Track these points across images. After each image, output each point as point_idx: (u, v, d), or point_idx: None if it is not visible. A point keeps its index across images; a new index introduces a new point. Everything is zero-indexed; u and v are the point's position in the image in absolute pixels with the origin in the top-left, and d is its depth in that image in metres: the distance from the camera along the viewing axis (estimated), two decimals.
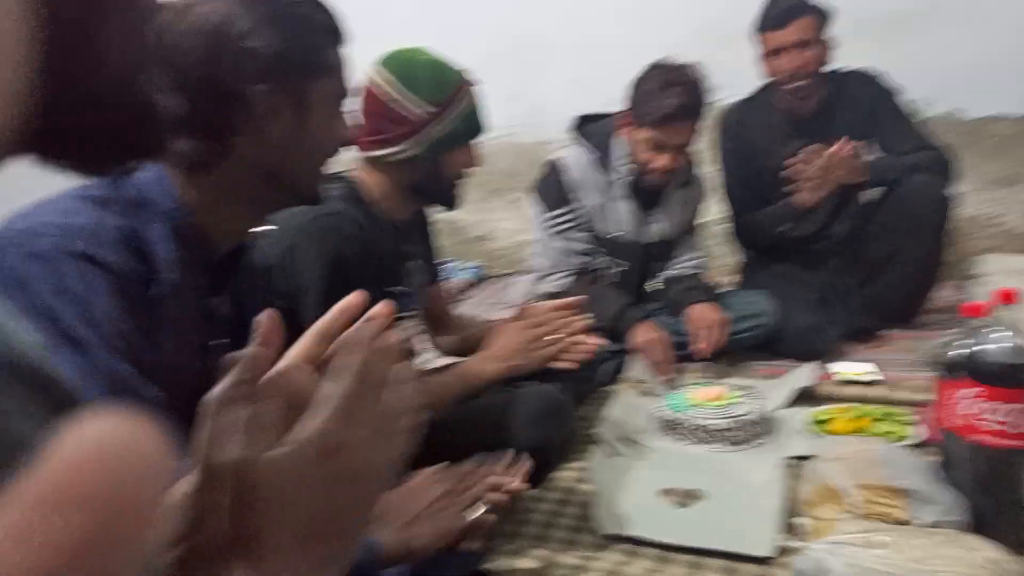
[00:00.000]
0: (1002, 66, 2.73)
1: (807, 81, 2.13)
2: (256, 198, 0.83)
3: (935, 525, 1.09)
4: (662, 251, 2.11)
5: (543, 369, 1.39)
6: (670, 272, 2.12)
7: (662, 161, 1.86)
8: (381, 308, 0.54)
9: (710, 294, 2.01)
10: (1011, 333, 1.12)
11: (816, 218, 2.26)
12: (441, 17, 3.42)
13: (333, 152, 0.86)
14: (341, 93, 0.85)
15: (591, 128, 2.04)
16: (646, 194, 2.00)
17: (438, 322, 1.57)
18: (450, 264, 3.33)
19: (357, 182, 1.28)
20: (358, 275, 1.14)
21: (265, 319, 0.49)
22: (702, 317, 1.90)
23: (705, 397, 1.63)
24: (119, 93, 0.36)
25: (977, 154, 2.86)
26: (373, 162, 1.28)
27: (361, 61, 1.34)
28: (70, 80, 0.33)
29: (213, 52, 0.75)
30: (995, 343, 1.12)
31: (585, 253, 2.02)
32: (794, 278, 2.24)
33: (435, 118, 1.24)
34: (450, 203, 1.37)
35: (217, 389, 0.41)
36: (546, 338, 1.30)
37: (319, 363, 0.52)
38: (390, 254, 1.27)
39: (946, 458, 1.25)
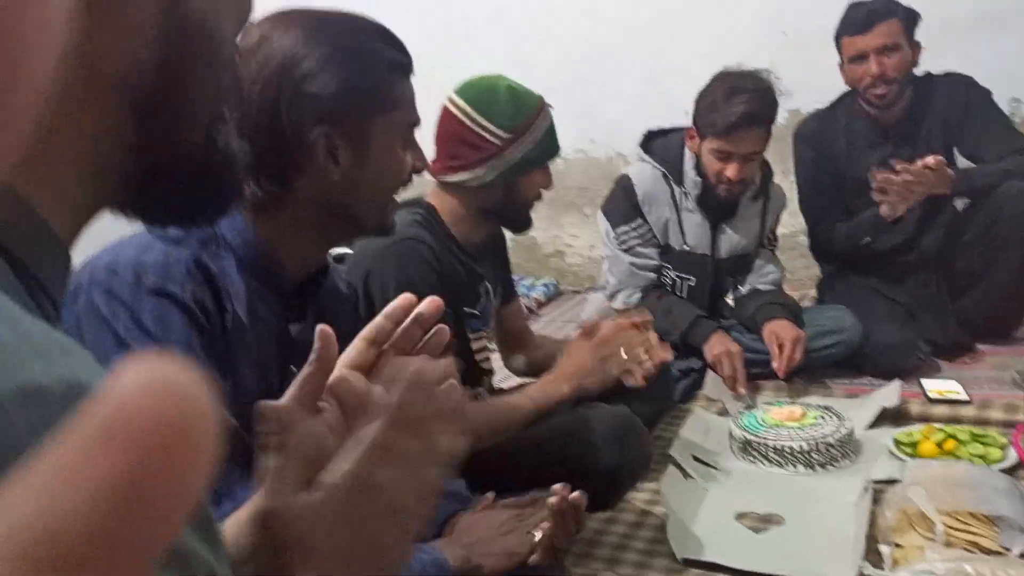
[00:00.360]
0: None
1: (891, 88, 2.05)
2: (325, 230, 0.85)
3: None
4: (737, 265, 2.08)
5: (616, 388, 1.40)
6: (747, 287, 2.09)
7: (731, 171, 1.84)
8: (428, 305, 0.57)
9: (789, 310, 1.97)
10: None
11: (902, 229, 2.18)
12: (514, 32, 3.47)
13: (401, 182, 0.88)
14: (408, 124, 0.87)
15: (660, 143, 2.03)
16: (718, 207, 1.98)
17: (513, 342, 1.59)
18: (523, 281, 3.37)
19: (432, 206, 1.32)
20: (432, 293, 1.17)
21: (318, 337, 0.52)
22: (779, 334, 1.87)
23: (783, 417, 1.60)
24: (201, 153, 0.39)
25: None
26: (449, 187, 1.32)
27: (438, 79, 1.38)
28: (157, 150, 0.37)
29: (275, 96, 0.78)
30: None
31: (654, 269, 2.01)
32: (878, 292, 2.16)
33: (512, 144, 1.28)
34: (522, 225, 1.39)
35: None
36: (615, 355, 1.30)
37: (369, 367, 0.56)
38: (463, 277, 1.31)
39: None
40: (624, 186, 2.01)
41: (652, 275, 2.01)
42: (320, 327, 0.56)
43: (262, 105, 0.78)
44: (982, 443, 1.48)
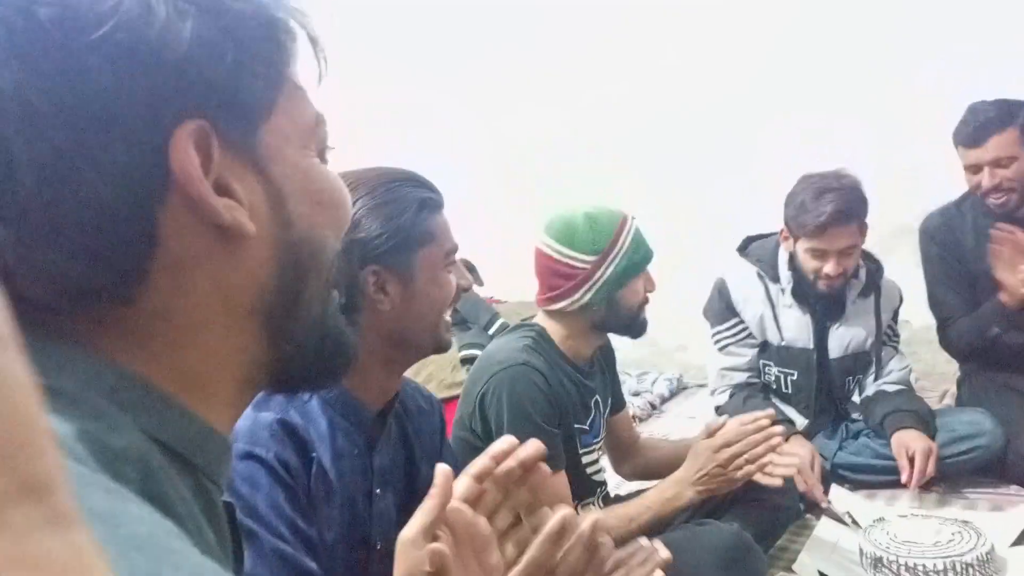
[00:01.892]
0: None
1: (1010, 196, 2.00)
2: (391, 359, 0.93)
3: None
4: (855, 364, 2.04)
5: (740, 491, 1.41)
6: (873, 387, 2.05)
7: (828, 268, 1.85)
8: (530, 449, 0.66)
9: (919, 418, 1.91)
10: None
11: None
12: (637, 131, 3.60)
13: (447, 304, 0.96)
14: (446, 252, 0.94)
15: (756, 245, 2.07)
16: (822, 304, 1.97)
17: (622, 449, 1.64)
18: (646, 375, 3.39)
19: (543, 328, 1.43)
20: (542, 418, 1.27)
21: (439, 475, 0.63)
22: (908, 445, 1.82)
23: (917, 532, 1.54)
24: (317, 334, 0.45)
25: None
26: (554, 313, 1.43)
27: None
28: (285, 347, 0.44)
29: None
30: None
31: (747, 368, 2.03)
32: (1017, 391, 2.05)
33: (599, 267, 1.37)
34: (636, 331, 1.46)
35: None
36: (739, 459, 1.32)
37: (476, 501, 0.65)
38: (574, 395, 1.38)
39: None
40: (719, 287, 2.07)
41: (744, 374, 2.03)
42: (440, 468, 0.66)
43: None
44: None
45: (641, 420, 2.90)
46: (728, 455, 1.32)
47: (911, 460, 1.79)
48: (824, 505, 1.74)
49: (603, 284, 1.37)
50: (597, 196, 1.50)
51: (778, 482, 1.35)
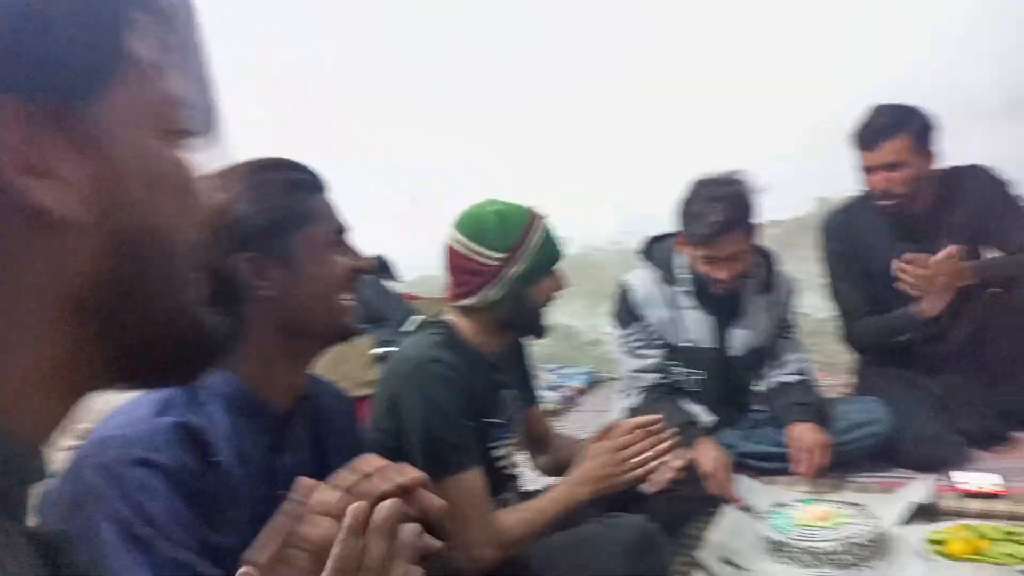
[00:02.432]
0: None
1: (897, 199, 2.12)
2: (289, 352, 0.91)
3: None
4: (756, 359, 2.12)
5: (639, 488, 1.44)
6: (774, 379, 2.13)
7: (720, 273, 1.93)
8: (409, 475, 0.61)
9: (813, 410, 1.99)
10: None
11: (934, 321, 2.21)
12: (552, 131, 3.64)
13: (340, 286, 0.92)
14: (330, 233, 0.92)
15: (657, 247, 2.13)
16: (724, 304, 2.04)
17: (538, 443, 1.65)
18: (562, 369, 3.44)
19: (452, 325, 1.43)
20: (456, 415, 1.27)
21: (298, 488, 0.60)
22: (802, 438, 1.90)
23: (813, 516, 1.62)
24: (172, 328, 0.41)
25: None
26: (464, 308, 1.43)
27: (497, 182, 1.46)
28: (127, 344, 0.39)
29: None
30: None
31: (655, 369, 2.08)
32: (912, 382, 2.18)
33: (509, 262, 1.38)
34: (538, 331, 1.48)
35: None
36: (632, 460, 1.35)
37: (339, 513, 0.60)
38: (487, 388, 1.40)
39: None
40: (623, 291, 2.12)
41: (653, 376, 2.08)
42: (300, 481, 0.63)
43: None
44: (1016, 541, 1.48)
45: (557, 414, 2.94)
46: (619, 458, 1.36)
47: (805, 452, 1.87)
48: (740, 505, 1.78)
49: (512, 281, 1.38)
50: (510, 192, 1.51)
51: (654, 490, 1.38)
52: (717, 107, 3.26)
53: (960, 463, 1.93)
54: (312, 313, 0.91)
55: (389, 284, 3.05)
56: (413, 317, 2.67)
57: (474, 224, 1.40)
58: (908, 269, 2.01)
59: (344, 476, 0.62)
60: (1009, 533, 1.50)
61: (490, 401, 1.40)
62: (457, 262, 1.41)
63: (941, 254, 1.99)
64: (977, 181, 2.19)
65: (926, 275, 1.99)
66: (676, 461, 1.38)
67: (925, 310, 2.06)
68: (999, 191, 2.18)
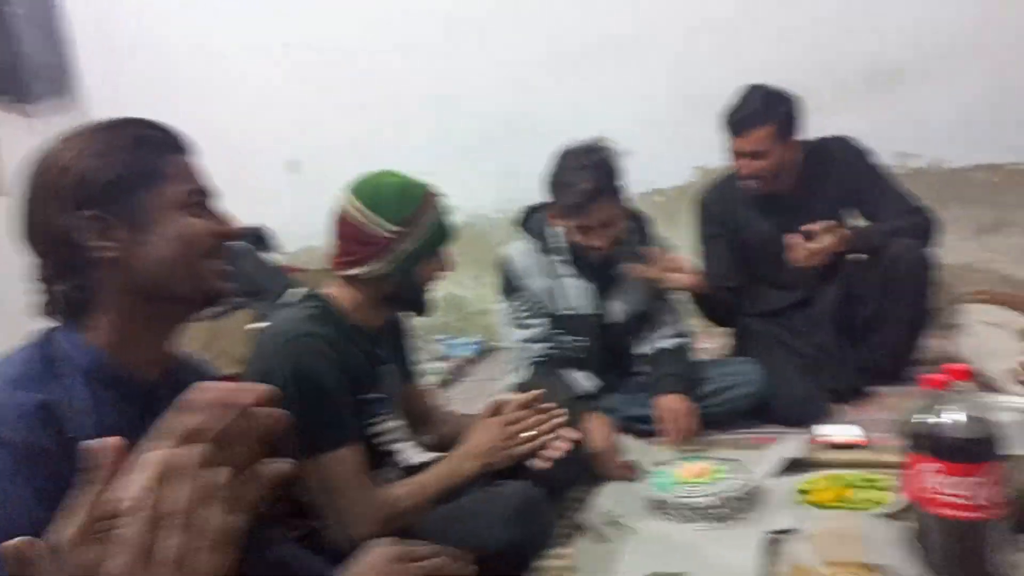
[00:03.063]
0: (979, 117, 2.81)
1: (760, 183, 2.21)
2: (149, 317, 0.86)
3: None
4: (637, 324, 2.17)
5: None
6: (653, 344, 2.18)
7: (594, 242, 1.95)
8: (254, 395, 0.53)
9: (682, 379, 2.04)
10: (966, 408, 1.16)
11: (803, 287, 2.33)
12: (438, 99, 3.58)
13: (199, 249, 0.87)
14: (187, 193, 0.87)
15: (535, 217, 2.14)
16: (602, 271, 2.06)
17: (420, 419, 1.63)
18: (451, 340, 3.42)
19: (329, 298, 1.36)
20: (332, 390, 1.22)
21: (96, 448, 0.52)
22: (668, 408, 1.96)
23: (691, 473, 1.67)
24: None
25: (962, 203, 2.92)
26: (348, 279, 1.38)
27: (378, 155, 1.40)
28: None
29: (43, 204, 0.83)
30: (950, 419, 1.17)
31: (543, 338, 2.10)
32: (784, 343, 2.29)
33: (402, 236, 1.33)
34: (422, 310, 1.45)
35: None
36: (521, 435, 1.35)
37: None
38: (363, 363, 1.33)
39: (920, 528, 1.29)
40: (505, 263, 2.12)
41: (541, 345, 2.09)
42: (103, 442, 0.54)
43: (36, 218, 0.84)
44: (875, 488, 1.58)
45: (447, 384, 2.93)
46: (510, 432, 1.35)
47: (671, 422, 1.94)
48: (632, 478, 1.80)
49: (403, 256, 1.34)
50: (395, 161, 1.46)
51: (546, 464, 1.39)
52: (598, 77, 3.29)
53: (826, 418, 2.04)
54: (168, 277, 0.86)
55: (267, 256, 2.92)
56: (293, 290, 2.57)
57: (371, 192, 1.34)
58: (797, 248, 2.09)
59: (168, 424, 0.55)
60: (870, 480, 1.60)
61: (369, 376, 1.35)
62: (348, 229, 1.35)
63: (826, 240, 2.08)
64: (841, 152, 2.30)
65: (813, 250, 2.08)
66: (566, 436, 1.38)
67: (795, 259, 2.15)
68: (861, 161, 2.30)
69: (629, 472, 1.81)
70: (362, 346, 1.35)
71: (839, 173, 2.28)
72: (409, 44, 3.58)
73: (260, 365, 1.23)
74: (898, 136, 2.94)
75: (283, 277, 2.75)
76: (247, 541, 0.50)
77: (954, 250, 2.90)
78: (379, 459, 1.38)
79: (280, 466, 0.54)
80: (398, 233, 1.33)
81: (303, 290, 1.45)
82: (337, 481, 1.21)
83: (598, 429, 1.87)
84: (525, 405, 1.39)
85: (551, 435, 1.36)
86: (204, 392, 0.53)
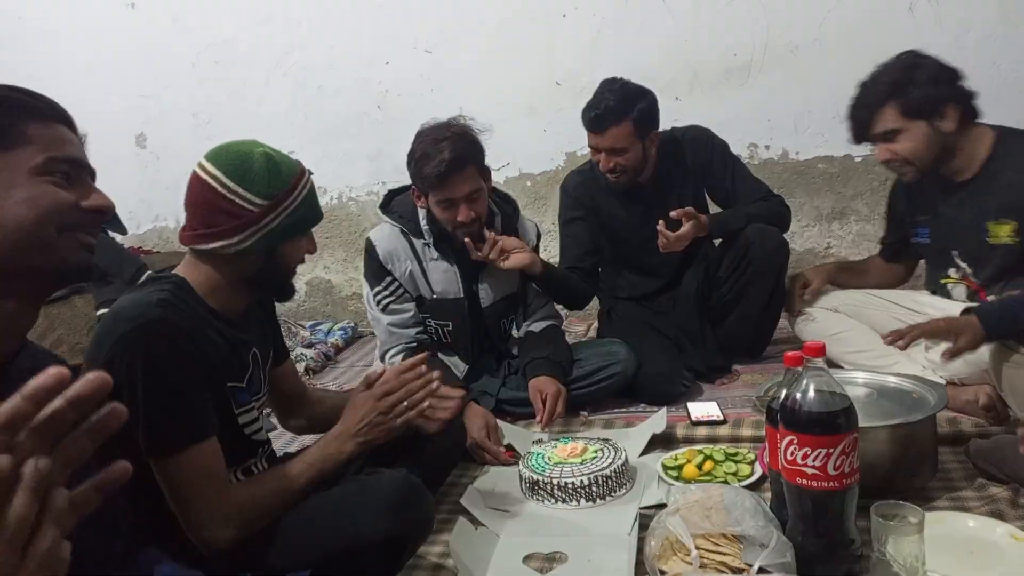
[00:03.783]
0: (825, 112, 3.00)
1: (621, 176, 2.26)
2: None
3: (764, 569, 1.17)
4: (506, 307, 2.16)
5: (407, 436, 1.40)
6: (524, 327, 2.19)
7: (460, 215, 1.93)
8: (86, 385, 0.47)
9: (551, 362, 2.06)
10: (820, 384, 1.22)
11: (665, 272, 2.41)
12: (303, 76, 3.42)
13: (54, 220, 0.81)
14: (48, 161, 0.81)
15: (398, 200, 2.10)
16: (468, 254, 2.04)
17: (289, 403, 1.55)
18: (321, 325, 3.30)
19: (183, 279, 1.25)
20: (182, 383, 1.12)
21: None
22: (540, 390, 1.97)
23: (566, 454, 1.68)
24: None
25: (808, 191, 3.12)
26: (203, 255, 1.25)
27: (226, 129, 1.32)
28: None
29: None
30: (804, 394, 1.22)
31: (412, 324, 2.06)
32: (649, 325, 2.36)
33: (270, 211, 1.24)
34: (285, 294, 1.37)
35: None
36: (398, 408, 1.31)
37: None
38: (224, 349, 1.24)
39: (776, 498, 1.36)
40: (368, 248, 2.06)
41: (411, 331, 2.05)
42: None
43: None
44: (735, 461, 1.65)
45: (315, 372, 2.83)
46: (389, 403, 1.31)
47: (541, 404, 1.95)
48: (512, 463, 1.78)
49: (269, 233, 1.25)
50: (254, 136, 1.35)
51: (435, 427, 1.36)
52: (470, 60, 3.26)
53: (690, 396, 2.13)
54: (14, 245, 0.78)
55: (114, 236, 2.69)
56: (147, 274, 2.38)
57: (237, 161, 1.23)
58: (667, 235, 2.14)
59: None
60: (731, 455, 1.67)
61: (230, 364, 1.26)
62: (208, 199, 1.23)
63: (687, 227, 2.14)
64: (697, 145, 2.38)
65: (677, 236, 2.15)
66: (447, 395, 1.33)
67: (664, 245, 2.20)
68: (719, 154, 2.39)
69: (509, 458, 1.80)
70: (222, 331, 1.24)
71: (695, 162, 2.37)
72: (275, 15, 3.41)
73: (101, 354, 1.10)
74: (749, 128, 3.09)
75: (132, 259, 2.53)
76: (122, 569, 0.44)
77: (799, 236, 3.11)
78: (246, 451, 1.30)
79: (114, 469, 0.48)
80: (266, 208, 1.23)
81: (152, 272, 1.32)
82: (189, 481, 1.12)
83: (475, 417, 1.84)
84: (401, 372, 1.34)
85: (428, 401, 1.32)
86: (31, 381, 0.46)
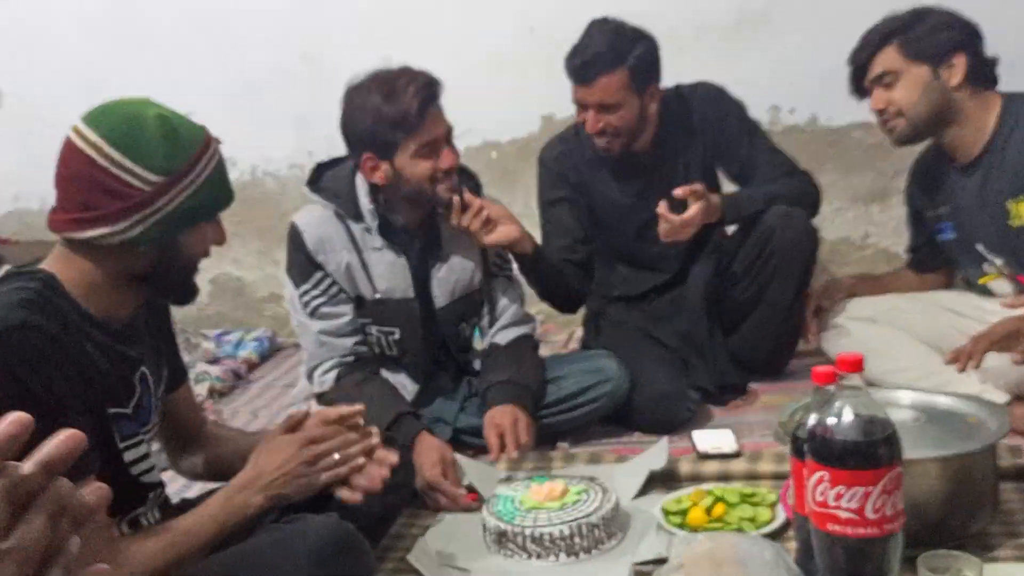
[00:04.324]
0: None
1: (614, 140, 2.26)
2: None
3: None
4: (466, 308, 2.16)
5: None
6: (489, 336, 2.20)
7: (445, 161, 1.93)
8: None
9: (518, 384, 2.05)
10: (857, 407, 1.24)
11: (667, 264, 2.43)
12: (214, 29, 3.38)
13: None
14: None
15: (329, 175, 2.09)
16: (422, 242, 2.05)
17: (184, 439, 1.54)
18: (228, 336, 3.27)
19: (54, 276, 1.23)
20: (49, 405, 1.10)
21: None
22: (496, 424, 1.97)
23: (542, 496, 1.68)
24: None
25: (842, 166, 3.16)
26: (79, 246, 1.24)
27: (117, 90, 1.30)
28: None
29: None
30: (838, 418, 1.24)
31: (350, 331, 2.06)
32: (646, 333, 2.39)
33: (166, 191, 1.23)
34: (185, 295, 1.36)
35: None
36: (325, 460, 1.31)
37: None
38: (104, 367, 1.23)
39: (803, 547, 1.38)
40: (293, 236, 2.05)
41: (347, 341, 2.05)
42: None
43: None
44: (751, 504, 1.67)
45: (222, 395, 2.82)
46: (315, 452, 1.32)
47: (495, 438, 1.95)
48: (474, 508, 1.79)
49: (164, 218, 1.23)
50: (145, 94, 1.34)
51: (358, 497, 1.36)
52: (416, 4, 3.25)
53: (697, 422, 2.15)
54: None
55: None
56: (2, 268, 2.34)
57: (125, 126, 1.22)
58: (670, 219, 2.14)
59: None
60: (747, 496, 1.69)
61: (112, 385, 1.25)
62: (86, 175, 1.21)
63: (694, 210, 2.14)
64: (708, 105, 2.40)
65: (682, 221, 2.14)
66: (384, 460, 1.35)
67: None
68: (735, 118, 2.41)
69: (471, 502, 1.80)
70: (103, 344, 1.23)
71: (705, 128, 2.38)
72: None
73: None
74: (769, 88, 3.12)
75: None
76: None
77: (831, 222, 3.15)
78: (132, 494, 1.28)
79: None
80: (160, 186, 1.22)
81: (11, 267, 1.30)
82: None
83: (428, 451, 1.84)
84: (331, 421, 1.35)
85: (363, 460, 1.34)
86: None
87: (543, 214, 2.46)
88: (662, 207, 2.15)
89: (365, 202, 2.01)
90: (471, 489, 1.85)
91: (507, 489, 1.74)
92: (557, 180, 2.43)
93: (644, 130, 2.31)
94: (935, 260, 2.31)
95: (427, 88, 1.90)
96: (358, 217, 2.02)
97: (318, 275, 2.03)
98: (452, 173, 1.97)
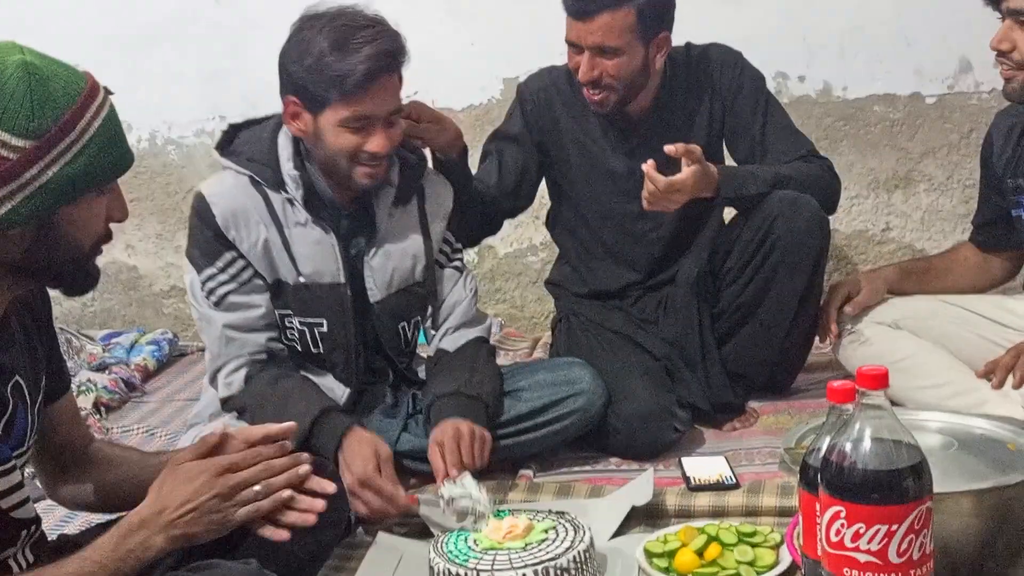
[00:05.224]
0: (886, 29, 3.07)
1: (607, 94, 2.26)
2: None
3: None
4: (407, 303, 2.16)
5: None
6: (436, 342, 2.20)
7: (375, 143, 1.94)
8: None
9: (468, 396, 2.04)
10: (877, 430, 1.24)
11: (649, 252, 2.44)
12: None
13: None
14: None
15: (245, 136, 2.09)
16: (354, 219, 2.05)
17: (65, 461, 1.52)
18: (119, 338, 3.23)
19: None
20: None
21: None
22: (440, 442, 1.92)
23: (502, 534, 1.68)
24: None
25: (859, 146, 3.19)
26: None
27: None
28: None
29: None
30: (856, 444, 1.24)
31: (264, 325, 2.05)
32: (626, 337, 2.38)
33: (36, 159, 1.19)
34: (80, 285, 1.36)
35: None
36: (244, 493, 1.31)
37: None
38: None
39: None
40: (199, 209, 2.04)
41: (260, 336, 2.04)
42: None
43: None
44: (751, 544, 1.68)
45: (110, 410, 2.80)
46: (233, 483, 1.31)
47: (439, 460, 1.90)
48: (414, 511, 1.82)
49: (37, 191, 1.20)
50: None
51: (285, 535, 1.36)
52: None
53: (687, 447, 2.16)
54: None
55: None
56: None
57: None
58: (656, 179, 2.12)
59: None
60: (746, 535, 1.70)
61: None
62: None
63: (687, 172, 2.14)
64: (725, 71, 2.41)
65: (671, 183, 2.13)
66: (317, 489, 1.36)
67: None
68: (752, 90, 2.41)
69: (411, 504, 1.82)
70: None
71: (715, 97, 2.40)
72: None
73: None
74: (776, 50, 3.13)
75: None
76: None
77: (846, 211, 3.18)
78: (4, 534, 1.26)
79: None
80: (30, 152, 1.19)
81: None
82: None
83: (359, 445, 1.86)
84: (255, 441, 1.35)
85: (288, 492, 1.33)
86: None
87: (487, 144, 2.47)
88: (648, 165, 2.14)
89: (288, 167, 2.01)
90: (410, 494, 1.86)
91: (461, 525, 1.73)
92: (527, 117, 2.43)
93: (644, 87, 2.31)
94: (1007, 239, 2.29)
95: (383, 57, 1.89)
96: (279, 185, 2.02)
97: (228, 256, 2.02)
98: (380, 159, 1.97)
